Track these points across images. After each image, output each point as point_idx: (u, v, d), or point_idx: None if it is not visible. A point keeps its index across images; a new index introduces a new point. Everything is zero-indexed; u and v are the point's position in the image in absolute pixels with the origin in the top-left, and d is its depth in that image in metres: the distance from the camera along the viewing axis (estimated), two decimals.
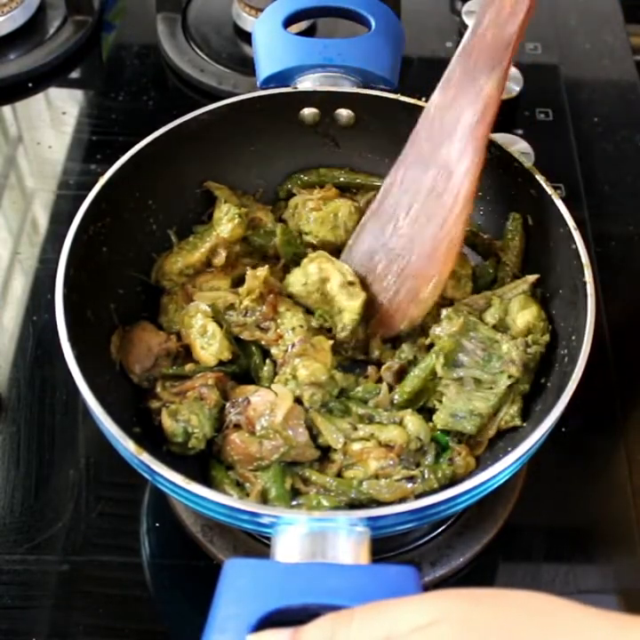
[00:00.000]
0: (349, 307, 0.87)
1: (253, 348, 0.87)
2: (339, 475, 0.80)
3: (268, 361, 0.86)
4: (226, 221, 0.91)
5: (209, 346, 0.85)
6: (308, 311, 0.89)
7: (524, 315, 0.86)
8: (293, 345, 0.84)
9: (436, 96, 0.83)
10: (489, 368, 0.83)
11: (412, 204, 0.85)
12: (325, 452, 0.81)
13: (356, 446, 0.80)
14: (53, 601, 0.84)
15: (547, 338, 0.85)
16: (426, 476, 0.79)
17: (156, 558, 0.88)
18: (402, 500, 0.77)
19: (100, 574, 0.86)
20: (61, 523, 0.88)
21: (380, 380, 0.86)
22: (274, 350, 0.86)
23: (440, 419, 0.82)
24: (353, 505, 0.78)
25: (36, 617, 0.84)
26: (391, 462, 0.79)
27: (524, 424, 0.82)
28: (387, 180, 0.87)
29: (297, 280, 0.89)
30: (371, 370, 0.87)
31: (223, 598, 0.60)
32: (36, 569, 0.86)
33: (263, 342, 0.86)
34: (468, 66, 0.81)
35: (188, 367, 0.85)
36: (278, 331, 0.86)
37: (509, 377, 0.82)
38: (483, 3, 0.80)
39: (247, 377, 0.86)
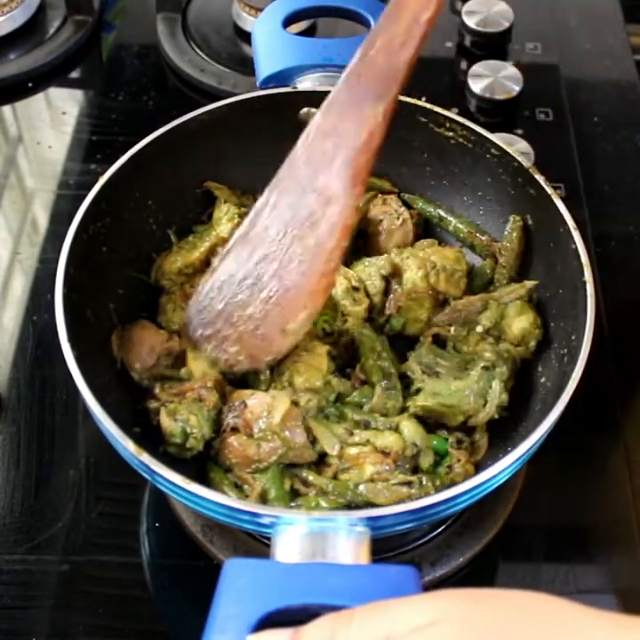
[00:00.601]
0: (354, 312, 0.87)
1: None
2: (334, 478, 0.80)
3: None
4: (226, 221, 0.91)
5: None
6: None
7: (520, 321, 0.86)
8: None
9: (318, 118, 0.76)
10: (461, 357, 0.85)
11: (286, 230, 0.78)
12: (322, 455, 0.81)
13: (352, 451, 0.80)
14: (53, 601, 0.84)
15: (534, 343, 0.86)
16: (423, 482, 0.78)
17: (156, 558, 0.88)
18: (398, 503, 0.77)
19: (100, 574, 0.86)
20: (61, 523, 0.88)
21: None
22: None
23: (422, 398, 0.82)
24: (351, 507, 0.78)
25: (36, 617, 0.84)
26: (387, 467, 0.78)
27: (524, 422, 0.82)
28: (259, 202, 0.79)
29: None
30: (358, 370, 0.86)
31: (223, 598, 0.60)
32: (36, 569, 0.86)
33: None
34: (354, 90, 0.74)
35: (185, 371, 0.85)
36: None
37: (483, 359, 0.83)
38: (374, 28, 0.74)
39: (244, 383, 0.86)
